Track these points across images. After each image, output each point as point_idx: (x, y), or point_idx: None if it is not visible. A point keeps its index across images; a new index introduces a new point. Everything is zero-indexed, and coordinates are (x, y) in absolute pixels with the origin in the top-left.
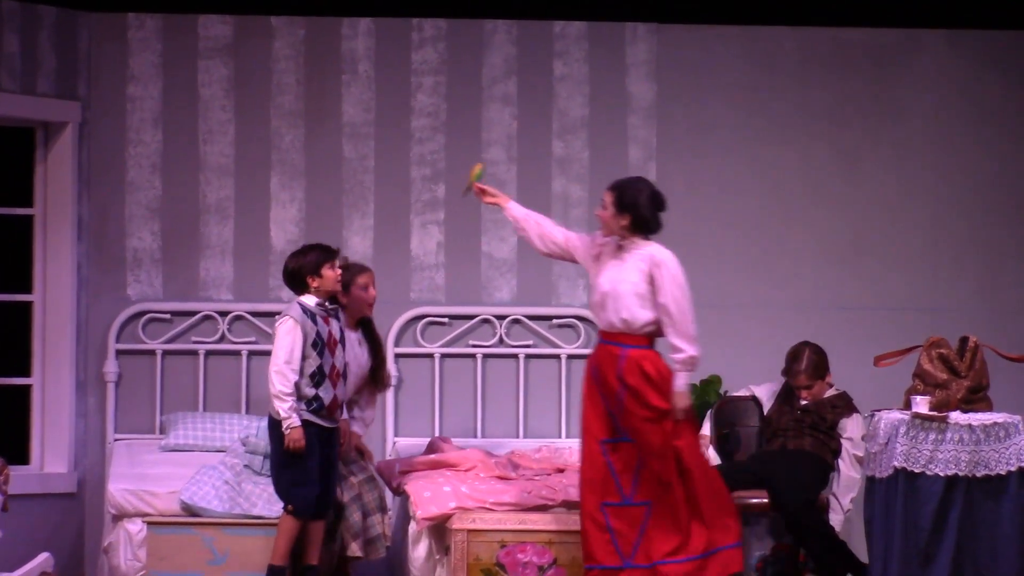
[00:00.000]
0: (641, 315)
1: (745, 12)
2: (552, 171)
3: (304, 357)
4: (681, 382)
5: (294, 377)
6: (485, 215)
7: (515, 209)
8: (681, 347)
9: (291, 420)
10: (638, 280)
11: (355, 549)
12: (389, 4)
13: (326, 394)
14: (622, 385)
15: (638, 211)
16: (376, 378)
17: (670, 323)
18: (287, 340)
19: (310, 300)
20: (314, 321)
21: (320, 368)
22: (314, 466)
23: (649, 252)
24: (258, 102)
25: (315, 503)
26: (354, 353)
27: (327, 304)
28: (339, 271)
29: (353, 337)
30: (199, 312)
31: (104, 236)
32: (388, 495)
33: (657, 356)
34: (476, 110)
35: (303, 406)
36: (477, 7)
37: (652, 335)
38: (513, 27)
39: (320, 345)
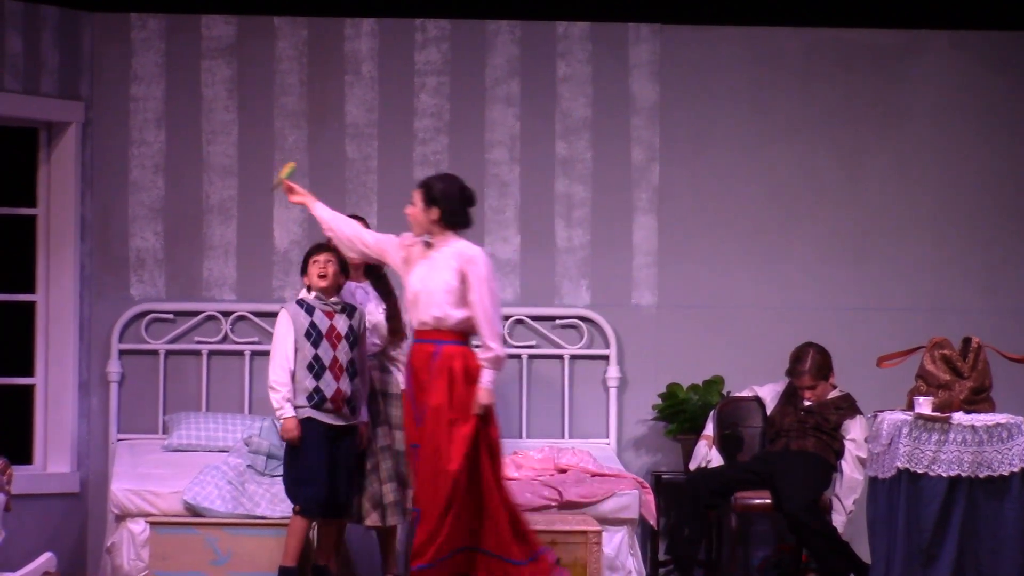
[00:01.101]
0: (453, 312)
1: (748, 13)
2: (555, 172)
3: (298, 349)
4: (486, 379)
5: (287, 367)
6: (488, 216)
7: (322, 211)
8: (488, 345)
9: (282, 411)
10: (450, 277)
11: (374, 519)
12: (392, 5)
13: (327, 387)
14: (432, 381)
15: (446, 203)
16: (390, 329)
17: (479, 321)
18: (279, 332)
19: (310, 294)
20: (309, 313)
21: (317, 359)
22: (318, 464)
23: (459, 248)
24: (261, 102)
25: (322, 502)
26: (358, 301)
27: (329, 299)
28: (323, 267)
29: (354, 287)
30: (202, 312)
31: (107, 236)
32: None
33: (470, 352)
34: (479, 111)
35: (305, 401)
36: (480, 8)
37: (466, 332)
38: (516, 28)
39: (313, 336)
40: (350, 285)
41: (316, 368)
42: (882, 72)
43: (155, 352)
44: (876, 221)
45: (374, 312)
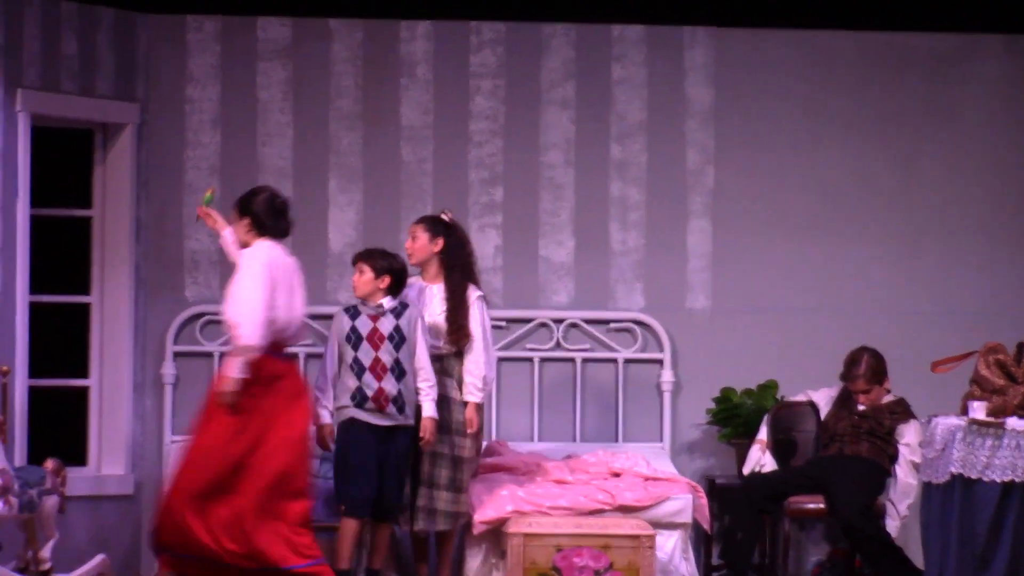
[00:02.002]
0: None
1: (803, 16)
2: (610, 174)
3: (342, 352)
4: (229, 367)
5: (328, 373)
6: (543, 219)
7: (227, 235)
8: (233, 330)
9: (319, 417)
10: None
11: (422, 524)
12: (448, 7)
13: (368, 387)
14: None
15: (253, 212)
16: (449, 329)
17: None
18: (329, 339)
19: (359, 300)
20: (353, 317)
21: (356, 361)
22: (362, 465)
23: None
24: (316, 105)
25: (367, 502)
26: (422, 303)
27: (373, 303)
28: (360, 274)
29: (423, 286)
30: None
31: (162, 238)
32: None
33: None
34: (534, 113)
35: (348, 400)
36: (536, 10)
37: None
38: (571, 31)
39: (353, 339)
40: (419, 284)
41: (356, 369)
42: (936, 76)
43: (210, 354)
44: (930, 224)
45: (435, 312)
